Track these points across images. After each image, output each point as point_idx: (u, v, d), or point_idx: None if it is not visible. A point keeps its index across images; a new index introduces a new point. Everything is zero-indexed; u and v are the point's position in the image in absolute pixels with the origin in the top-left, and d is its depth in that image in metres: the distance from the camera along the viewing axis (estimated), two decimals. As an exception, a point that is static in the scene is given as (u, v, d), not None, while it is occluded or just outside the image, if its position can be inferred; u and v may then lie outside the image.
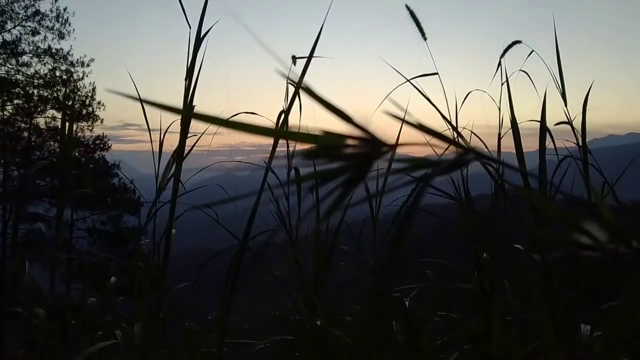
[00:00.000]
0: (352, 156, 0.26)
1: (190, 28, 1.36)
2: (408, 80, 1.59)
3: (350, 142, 0.26)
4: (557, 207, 0.28)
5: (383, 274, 0.25)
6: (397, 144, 0.26)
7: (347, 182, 0.26)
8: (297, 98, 1.43)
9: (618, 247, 0.26)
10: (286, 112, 1.20)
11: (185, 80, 1.37)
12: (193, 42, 1.36)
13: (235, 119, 0.25)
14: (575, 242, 0.26)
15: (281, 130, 0.25)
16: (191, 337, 1.56)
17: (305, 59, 1.53)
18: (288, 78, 0.28)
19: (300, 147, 0.25)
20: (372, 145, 0.26)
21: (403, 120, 0.27)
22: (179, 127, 1.42)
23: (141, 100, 0.27)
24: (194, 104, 1.38)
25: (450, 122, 1.60)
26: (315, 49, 1.25)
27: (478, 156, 0.25)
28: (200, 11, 1.35)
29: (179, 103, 1.38)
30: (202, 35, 1.36)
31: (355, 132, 0.26)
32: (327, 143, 0.26)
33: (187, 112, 1.36)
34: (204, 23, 1.35)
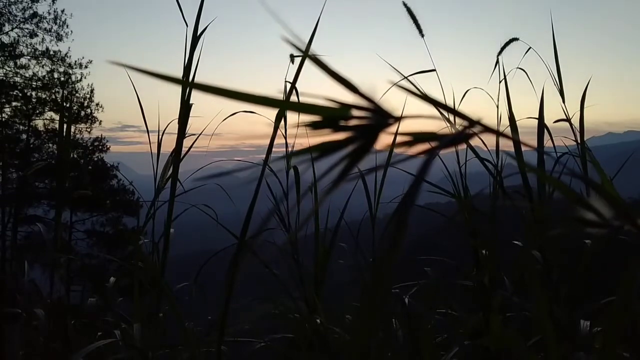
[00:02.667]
0: (358, 127, 0.26)
1: (187, 26, 1.36)
2: (405, 77, 1.59)
3: (356, 112, 0.26)
4: (564, 184, 0.27)
5: (382, 265, 0.25)
6: (403, 116, 0.25)
7: (353, 153, 0.26)
8: (295, 95, 1.43)
9: (623, 225, 0.26)
10: (292, 84, 1.19)
11: (183, 77, 1.37)
12: (190, 40, 1.36)
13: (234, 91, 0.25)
14: (582, 219, 0.26)
15: (283, 101, 0.24)
16: (191, 337, 1.56)
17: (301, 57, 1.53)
18: (294, 45, 0.27)
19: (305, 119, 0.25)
20: (378, 116, 0.26)
21: (409, 92, 0.27)
22: (177, 127, 1.42)
23: (141, 71, 0.27)
24: (191, 102, 1.38)
25: (447, 119, 1.60)
26: (311, 47, 1.24)
27: (484, 129, 0.25)
28: (197, 9, 1.35)
29: (176, 101, 1.38)
30: (199, 34, 1.36)
31: (362, 102, 0.26)
32: (332, 113, 0.25)
33: (184, 111, 1.37)
34: (200, 21, 1.35)
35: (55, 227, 1.97)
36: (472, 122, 0.25)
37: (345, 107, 0.25)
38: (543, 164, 1.56)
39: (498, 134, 0.26)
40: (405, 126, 0.27)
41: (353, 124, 0.25)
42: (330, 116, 0.25)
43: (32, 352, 1.95)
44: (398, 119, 0.26)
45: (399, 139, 0.26)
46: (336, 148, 0.25)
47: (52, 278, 1.90)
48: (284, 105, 0.24)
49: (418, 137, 0.25)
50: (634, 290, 0.70)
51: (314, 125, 0.25)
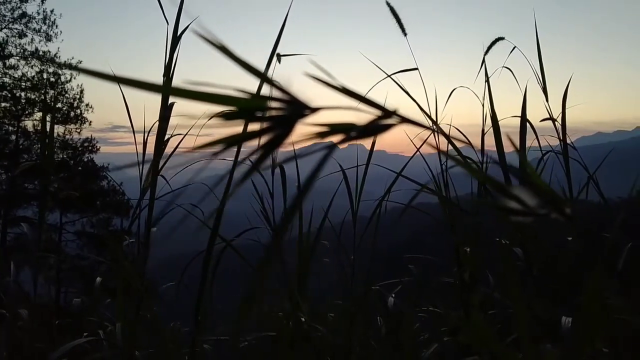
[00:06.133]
0: (273, 118, 0.26)
1: (168, 24, 1.36)
2: (389, 76, 1.59)
3: (272, 104, 0.26)
4: (485, 174, 0.28)
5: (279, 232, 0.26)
6: (320, 107, 0.25)
7: (267, 144, 0.26)
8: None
9: (550, 213, 0.27)
10: (258, 89, 1.19)
11: (164, 77, 1.37)
12: (170, 39, 1.35)
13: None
14: (504, 207, 0.27)
15: (193, 91, 0.24)
16: (170, 337, 1.56)
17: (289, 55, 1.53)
18: (203, 37, 0.27)
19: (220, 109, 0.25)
20: (294, 107, 0.26)
21: (327, 84, 0.27)
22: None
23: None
24: (173, 101, 1.37)
25: (430, 117, 1.60)
26: (293, 47, 1.24)
27: (402, 120, 0.25)
28: (177, 8, 1.34)
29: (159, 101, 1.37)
30: (179, 33, 1.35)
31: (278, 94, 0.26)
32: (247, 105, 0.25)
33: (165, 109, 1.36)
34: (181, 20, 1.35)
35: (39, 227, 1.95)
36: (388, 113, 0.25)
37: (261, 99, 0.25)
38: (525, 163, 1.56)
39: (412, 123, 0.26)
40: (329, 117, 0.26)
41: (268, 115, 0.26)
42: (245, 107, 0.25)
43: (16, 352, 1.94)
44: (314, 110, 0.26)
45: (316, 129, 0.26)
46: (248, 139, 0.26)
47: (36, 279, 1.89)
48: (189, 95, 0.24)
49: (335, 128, 0.25)
50: (601, 287, 0.71)
51: (227, 117, 0.25)
